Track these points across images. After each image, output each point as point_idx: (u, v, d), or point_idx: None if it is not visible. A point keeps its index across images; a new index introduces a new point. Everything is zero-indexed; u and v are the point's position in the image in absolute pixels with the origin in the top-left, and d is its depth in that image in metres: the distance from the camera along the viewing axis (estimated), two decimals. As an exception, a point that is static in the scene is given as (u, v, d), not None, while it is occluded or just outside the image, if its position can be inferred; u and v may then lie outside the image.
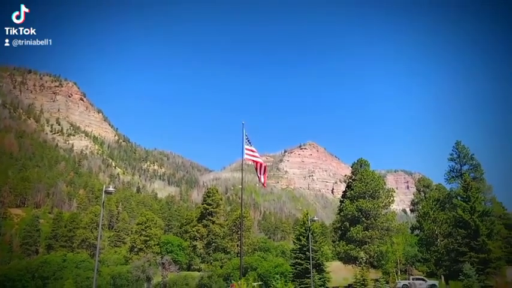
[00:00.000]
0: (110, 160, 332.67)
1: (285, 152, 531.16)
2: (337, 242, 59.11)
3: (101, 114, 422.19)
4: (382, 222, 55.60)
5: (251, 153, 23.38)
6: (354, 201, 57.01)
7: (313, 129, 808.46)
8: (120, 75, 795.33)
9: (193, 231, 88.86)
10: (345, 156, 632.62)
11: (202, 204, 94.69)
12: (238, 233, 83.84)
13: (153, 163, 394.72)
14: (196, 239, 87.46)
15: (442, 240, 55.68)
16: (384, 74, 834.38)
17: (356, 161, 62.73)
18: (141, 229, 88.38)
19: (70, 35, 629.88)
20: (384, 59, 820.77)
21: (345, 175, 74.23)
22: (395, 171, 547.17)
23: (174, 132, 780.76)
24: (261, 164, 23.54)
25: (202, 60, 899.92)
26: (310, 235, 39.62)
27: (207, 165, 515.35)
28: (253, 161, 23.42)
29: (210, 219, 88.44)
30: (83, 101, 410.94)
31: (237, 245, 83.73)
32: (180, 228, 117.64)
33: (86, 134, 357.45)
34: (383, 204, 57.20)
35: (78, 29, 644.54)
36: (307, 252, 42.41)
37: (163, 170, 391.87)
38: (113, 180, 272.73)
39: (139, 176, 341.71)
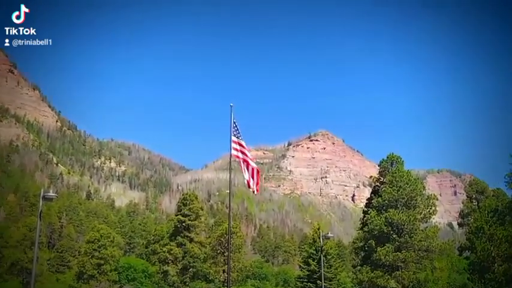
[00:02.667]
0: (50, 155, 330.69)
1: (289, 144, 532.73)
2: (359, 267, 59.17)
3: (37, 92, 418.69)
4: (420, 241, 55.63)
5: (239, 147, 23.14)
6: (383, 211, 56.94)
7: (326, 114, 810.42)
8: (65, 47, 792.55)
9: (164, 251, 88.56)
10: (369, 150, 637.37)
11: (177, 215, 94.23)
12: (225, 254, 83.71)
13: (109, 159, 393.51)
14: (168, 263, 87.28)
15: (501, 265, 55.90)
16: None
17: (385, 158, 62.55)
18: (93, 249, 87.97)
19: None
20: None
21: (370, 176, 74.15)
22: (438, 172, 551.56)
23: (137, 117, 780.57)
24: (248, 165, 23.61)
25: (179, 29, 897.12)
26: (322, 257, 39.57)
27: (183, 163, 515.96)
28: (242, 159, 23.51)
29: (187, 236, 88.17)
30: (13, 73, 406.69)
31: (223, 271, 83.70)
32: (146, 247, 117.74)
33: (17, 119, 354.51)
34: (421, 215, 57.21)
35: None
36: (318, 281, 42.43)
37: (123, 168, 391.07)
38: (54, 182, 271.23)
39: (91, 177, 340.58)
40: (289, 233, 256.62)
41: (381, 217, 56.42)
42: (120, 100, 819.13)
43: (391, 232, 55.97)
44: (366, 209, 63.59)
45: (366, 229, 59.09)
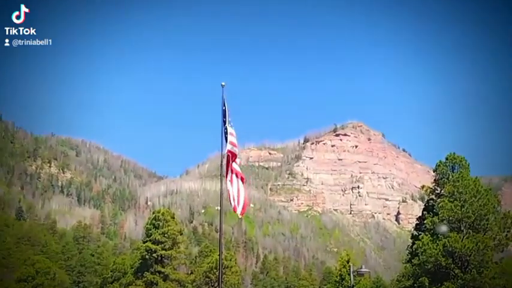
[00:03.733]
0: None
1: (306, 141, 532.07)
2: (407, 316, 59.29)
3: None
4: (494, 278, 55.65)
5: (231, 147, 22.43)
6: (440, 236, 56.92)
7: (359, 100, 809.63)
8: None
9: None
10: (420, 150, 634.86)
11: (145, 242, 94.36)
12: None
13: (49, 162, 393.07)
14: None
15: None
16: None
17: (444, 160, 62.57)
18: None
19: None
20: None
21: (422, 186, 74.05)
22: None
23: (88, 106, 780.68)
24: (234, 174, 23.01)
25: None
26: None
27: (154, 168, 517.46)
28: (232, 168, 22.95)
29: (160, 272, 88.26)
30: None
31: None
32: (102, 287, 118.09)
33: None
34: (495, 242, 57.16)
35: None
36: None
37: (68, 175, 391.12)
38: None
39: (22, 187, 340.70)
40: (306, 267, 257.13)
41: (438, 244, 56.32)
42: (64, 85, 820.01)
43: (452, 266, 55.91)
44: (415, 233, 63.56)
45: (415, 261, 59.06)
